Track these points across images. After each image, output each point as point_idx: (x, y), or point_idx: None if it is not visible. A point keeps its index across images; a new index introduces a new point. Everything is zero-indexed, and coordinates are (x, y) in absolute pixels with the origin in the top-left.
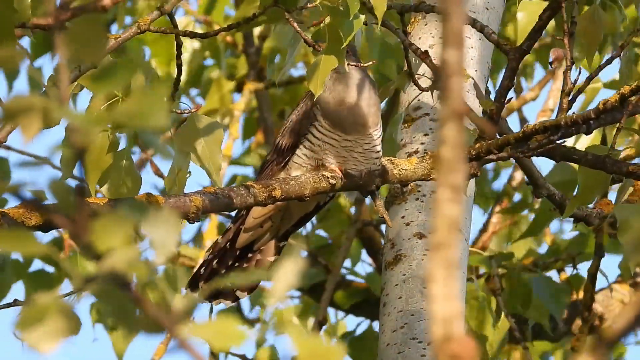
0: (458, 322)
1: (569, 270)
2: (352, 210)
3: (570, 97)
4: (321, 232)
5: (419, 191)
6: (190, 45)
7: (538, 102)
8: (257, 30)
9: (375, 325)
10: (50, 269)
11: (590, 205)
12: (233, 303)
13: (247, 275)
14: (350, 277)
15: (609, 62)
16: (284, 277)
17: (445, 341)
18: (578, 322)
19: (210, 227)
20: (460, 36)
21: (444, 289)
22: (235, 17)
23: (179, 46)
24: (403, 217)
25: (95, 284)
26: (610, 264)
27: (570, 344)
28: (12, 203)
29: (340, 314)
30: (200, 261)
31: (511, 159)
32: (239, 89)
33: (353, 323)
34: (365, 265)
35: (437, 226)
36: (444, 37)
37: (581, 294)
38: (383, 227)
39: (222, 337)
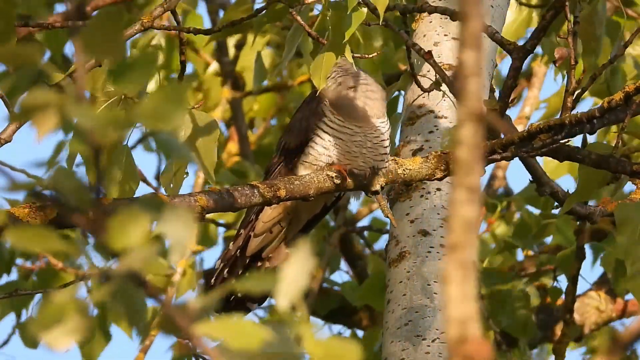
0: (473, 324)
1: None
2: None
3: (574, 96)
4: None
5: (423, 188)
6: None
7: (514, 110)
8: (232, 40)
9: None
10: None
11: (592, 203)
12: (244, 316)
13: (259, 281)
14: (325, 285)
15: (611, 61)
16: (294, 275)
17: (460, 342)
18: (555, 329)
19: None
20: (479, 37)
21: (460, 290)
22: (223, 21)
23: (182, 43)
24: (407, 214)
25: (112, 282)
26: (586, 271)
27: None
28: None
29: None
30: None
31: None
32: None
33: (329, 330)
34: (341, 274)
35: (452, 227)
36: (462, 38)
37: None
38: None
39: (239, 337)
